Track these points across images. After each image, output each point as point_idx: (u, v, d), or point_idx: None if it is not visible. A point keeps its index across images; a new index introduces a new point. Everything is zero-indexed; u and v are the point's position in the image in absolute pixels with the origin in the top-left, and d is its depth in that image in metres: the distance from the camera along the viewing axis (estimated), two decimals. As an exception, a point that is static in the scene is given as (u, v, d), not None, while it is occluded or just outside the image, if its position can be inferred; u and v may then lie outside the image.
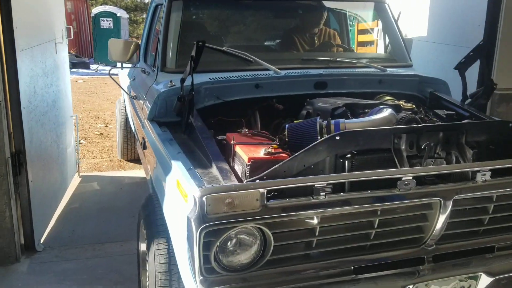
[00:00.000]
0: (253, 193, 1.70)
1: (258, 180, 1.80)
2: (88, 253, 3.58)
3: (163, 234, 2.15)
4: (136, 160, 5.61)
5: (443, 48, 4.36)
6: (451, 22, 4.65)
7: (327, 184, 1.77)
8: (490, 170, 1.96)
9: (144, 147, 2.86)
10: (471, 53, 2.89)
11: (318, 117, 2.14)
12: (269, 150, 1.94)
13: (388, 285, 1.94)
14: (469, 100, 3.02)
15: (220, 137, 2.33)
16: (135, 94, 3.45)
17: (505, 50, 3.94)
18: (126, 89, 4.03)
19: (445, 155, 2.02)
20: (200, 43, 2.33)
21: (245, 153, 1.93)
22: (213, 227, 1.67)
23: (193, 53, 2.37)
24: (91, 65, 17.52)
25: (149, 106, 2.83)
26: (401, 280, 1.97)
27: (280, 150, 2.00)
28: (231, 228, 1.71)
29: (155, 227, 2.18)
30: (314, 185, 1.76)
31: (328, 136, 1.90)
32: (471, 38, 4.08)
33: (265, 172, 1.83)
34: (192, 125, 2.45)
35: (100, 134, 7.57)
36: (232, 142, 2.03)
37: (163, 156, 2.27)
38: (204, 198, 1.65)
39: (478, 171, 1.94)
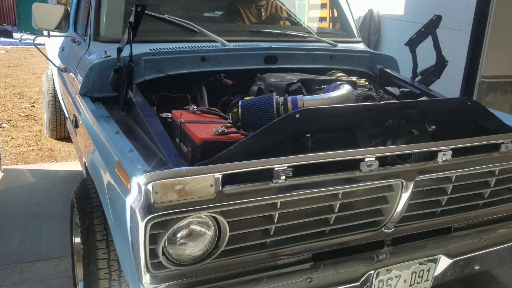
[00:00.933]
0: (207, 178, 1.50)
1: (211, 164, 1.60)
2: (14, 277, 2.78)
3: (100, 225, 1.90)
4: (67, 139, 5.12)
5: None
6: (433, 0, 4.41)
7: (288, 166, 1.61)
8: (452, 149, 1.89)
9: (76, 126, 2.56)
10: (423, 29, 2.81)
11: (274, 93, 1.96)
12: (222, 129, 1.74)
13: (349, 271, 1.83)
14: (419, 77, 2.97)
15: (164, 115, 2.09)
16: (64, 66, 3.09)
17: (495, 36, 3.72)
18: (54, 61, 3.64)
19: (407, 133, 1.91)
20: (140, 8, 2.05)
21: (195, 133, 1.72)
22: (161, 217, 1.46)
23: (131, 19, 2.09)
24: (14, 34, 16.16)
25: (81, 79, 2.52)
26: (361, 266, 1.87)
27: (234, 130, 1.81)
28: (181, 218, 1.51)
29: (90, 217, 1.92)
30: (274, 168, 1.59)
31: (287, 114, 1.73)
32: (458, 20, 3.84)
33: (218, 154, 1.63)
34: (132, 100, 2.18)
35: (26, 116, 6.51)
36: (179, 120, 1.81)
37: (99, 136, 2.00)
38: (150, 185, 1.43)
39: (440, 150, 1.87)
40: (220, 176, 1.51)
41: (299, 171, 1.66)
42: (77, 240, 2.35)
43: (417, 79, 2.94)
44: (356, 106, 1.84)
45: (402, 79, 2.91)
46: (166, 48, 2.57)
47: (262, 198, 1.60)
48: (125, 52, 2.23)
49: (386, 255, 1.93)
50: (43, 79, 5.08)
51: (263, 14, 3.34)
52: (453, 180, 1.98)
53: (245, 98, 2.42)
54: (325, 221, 1.81)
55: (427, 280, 2.01)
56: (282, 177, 1.60)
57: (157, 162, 1.67)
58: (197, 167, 1.49)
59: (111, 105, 2.35)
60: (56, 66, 3.10)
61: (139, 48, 2.51)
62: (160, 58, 2.51)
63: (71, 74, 2.82)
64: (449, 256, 2.01)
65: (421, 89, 2.75)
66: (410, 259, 1.94)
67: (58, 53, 3.57)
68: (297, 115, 1.73)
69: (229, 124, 1.84)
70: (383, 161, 1.80)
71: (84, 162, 2.35)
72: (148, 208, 1.44)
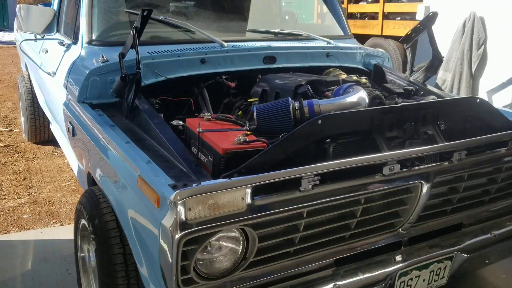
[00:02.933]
0: (238, 191, 1.47)
1: (236, 175, 1.56)
2: None
3: (115, 238, 1.84)
4: (50, 142, 4.85)
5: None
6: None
7: (315, 175, 1.59)
8: (466, 149, 1.92)
9: (74, 134, 2.45)
10: (419, 26, 2.84)
11: (289, 98, 1.93)
12: (244, 138, 1.70)
13: (372, 275, 1.84)
14: (414, 73, 3.00)
15: (175, 122, 2.03)
16: (53, 71, 2.95)
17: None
18: (36, 64, 3.48)
19: (423, 134, 1.93)
20: (146, 12, 1.98)
21: (217, 143, 1.67)
22: (194, 234, 1.42)
23: (137, 24, 2.02)
24: None
25: (75, 85, 2.42)
26: (383, 269, 1.87)
27: (254, 137, 1.77)
28: (213, 233, 1.47)
29: (104, 230, 1.85)
30: (302, 176, 1.57)
31: (311, 120, 1.70)
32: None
33: (244, 165, 1.59)
34: (138, 108, 2.11)
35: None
36: (197, 129, 1.76)
37: (109, 147, 1.92)
38: (183, 202, 1.38)
39: (455, 150, 1.89)
40: (251, 188, 1.48)
41: (323, 179, 1.65)
42: (82, 254, 2.27)
43: (412, 75, 2.97)
44: (375, 110, 1.83)
45: (398, 75, 2.93)
46: (164, 50, 2.50)
47: (290, 207, 1.58)
48: (128, 57, 2.16)
49: (404, 255, 1.95)
50: (18, 82, 4.85)
51: (257, 10, 3.29)
52: (465, 178, 2.01)
53: (249, 100, 2.39)
54: (347, 226, 1.81)
55: (443, 277, 2.04)
56: (310, 186, 1.58)
57: (180, 174, 1.62)
58: (229, 180, 1.45)
59: (111, 112, 2.27)
60: (43, 70, 2.96)
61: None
62: (160, 62, 2.43)
63: (62, 79, 2.70)
64: (464, 252, 2.05)
65: (417, 85, 2.78)
66: (427, 258, 1.97)
67: (41, 55, 3.42)
68: (320, 121, 1.71)
69: (248, 132, 1.81)
70: (403, 164, 1.80)
71: (88, 172, 2.26)
72: (182, 225, 1.39)
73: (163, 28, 2.64)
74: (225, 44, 2.61)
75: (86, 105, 2.31)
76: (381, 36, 7.56)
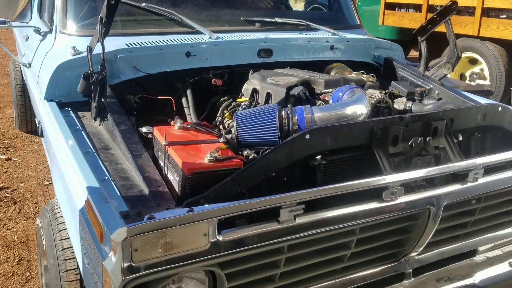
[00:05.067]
0: (199, 226, 1.20)
1: (203, 201, 1.29)
2: None
3: (70, 264, 1.60)
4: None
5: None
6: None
7: (298, 203, 1.31)
8: (484, 167, 1.62)
9: (42, 135, 2.21)
10: (436, 16, 2.50)
11: (276, 104, 1.64)
12: (216, 154, 1.42)
13: None
14: (429, 69, 2.67)
15: (144, 130, 1.76)
16: (29, 62, 2.70)
17: None
18: (20, 51, 3.24)
19: (433, 149, 1.63)
20: (114, 0, 1.69)
21: (183, 161, 1.40)
22: (142, 279, 1.16)
23: (102, 14, 1.74)
24: None
25: (45, 80, 2.16)
26: None
27: (230, 153, 1.49)
28: (168, 277, 1.21)
29: (57, 254, 1.61)
30: (281, 206, 1.29)
31: (295, 136, 1.42)
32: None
33: (213, 188, 1.33)
34: (106, 110, 1.85)
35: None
36: (163, 142, 1.49)
37: (65, 155, 1.66)
38: (128, 241, 1.12)
39: (472, 169, 1.59)
40: (216, 222, 1.21)
41: (309, 204, 1.37)
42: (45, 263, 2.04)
43: (427, 72, 2.64)
44: (375, 121, 1.53)
45: (411, 71, 2.60)
46: (145, 42, 2.22)
47: (266, 243, 1.31)
48: (98, 49, 1.89)
49: None
50: (9, 68, 4.62)
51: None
52: (482, 201, 1.71)
53: (237, 100, 2.11)
54: (339, 259, 1.53)
55: (452, 315, 1.76)
56: (291, 217, 1.31)
57: (136, 196, 1.36)
58: (186, 213, 1.18)
59: (83, 111, 2.01)
60: (18, 61, 2.71)
61: (114, 43, 2.15)
62: (139, 55, 2.16)
63: (36, 72, 2.45)
64: (477, 286, 1.76)
65: (433, 83, 2.45)
66: None
67: (22, 43, 3.17)
68: (307, 136, 1.43)
69: (223, 146, 1.53)
70: (408, 186, 1.51)
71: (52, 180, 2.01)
72: (126, 269, 1.13)
73: (144, 16, 2.35)
74: (214, 35, 2.32)
75: (53, 103, 2.05)
76: (477, 37, 6.04)
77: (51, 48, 2.33)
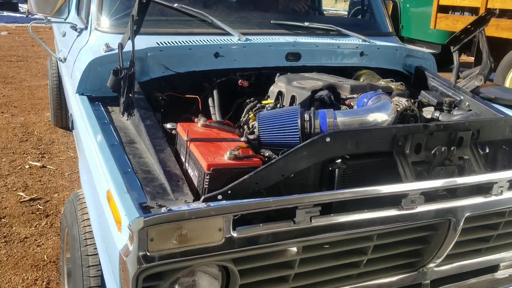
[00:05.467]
0: (214, 221, 1.21)
1: (220, 197, 1.31)
2: None
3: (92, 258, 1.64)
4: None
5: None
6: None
7: (314, 205, 1.31)
8: (509, 181, 1.58)
9: (73, 127, 2.28)
10: (470, 26, 2.46)
11: (299, 106, 1.65)
12: (236, 152, 1.44)
13: None
14: (461, 80, 2.62)
15: (169, 126, 1.80)
16: (64, 57, 2.79)
17: None
18: (57, 47, 3.34)
19: (457, 160, 1.60)
20: None
21: (203, 157, 1.42)
22: (156, 268, 1.19)
23: (134, 12, 1.79)
24: (20, 6, 11.96)
25: (78, 75, 2.23)
26: None
27: (250, 152, 1.51)
28: (182, 268, 1.23)
29: (79, 244, 1.66)
30: (298, 206, 1.30)
31: (315, 138, 1.42)
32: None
33: (230, 185, 1.34)
34: (133, 105, 1.89)
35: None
36: (185, 138, 1.52)
37: (92, 147, 1.71)
38: (145, 231, 1.14)
39: (496, 182, 1.55)
40: (232, 218, 1.22)
41: (324, 207, 1.37)
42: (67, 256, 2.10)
43: (459, 83, 2.59)
44: (398, 128, 1.52)
45: (442, 82, 2.56)
46: (175, 41, 2.26)
47: (281, 242, 1.31)
48: (129, 47, 1.94)
49: None
50: (47, 66, 4.77)
51: (284, 3, 3.00)
52: (506, 215, 1.67)
53: (263, 102, 2.12)
54: (355, 264, 1.52)
55: (470, 330, 1.72)
56: (307, 218, 1.31)
57: (157, 191, 1.39)
58: (202, 207, 1.20)
59: (113, 106, 2.07)
60: (54, 56, 2.80)
61: (145, 41, 2.21)
62: (169, 54, 2.20)
63: (70, 67, 2.53)
64: None
65: (464, 95, 2.41)
66: None
67: (59, 39, 3.27)
68: (328, 139, 1.43)
69: (244, 145, 1.54)
70: (429, 195, 1.49)
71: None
72: (141, 257, 1.16)
73: (175, 16, 2.40)
74: (243, 37, 2.34)
75: (84, 97, 2.12)
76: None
77: (85, 44, 2.41)
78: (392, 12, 8.11)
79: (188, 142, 1.52)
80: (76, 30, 2.69)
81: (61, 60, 2.75)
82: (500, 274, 1.84)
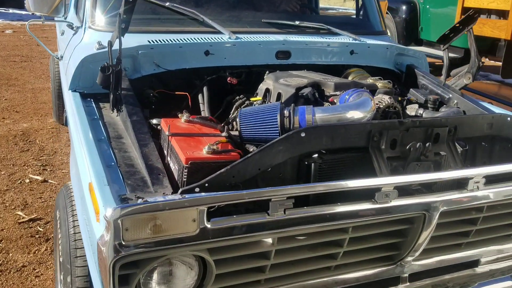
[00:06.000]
0: (188, 212, 1.26)
1: (198, 189, 1.36)
2: None
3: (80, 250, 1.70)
4: None
5: None
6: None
7: (288, 197, 1.35)
8: (485, 177, 1.61)
9: (66, 123, 2.34)
10: (458, 25, 2.48)
11: (279, 102, 1.69)
12: (214, 146, 1.49)
13: None
14: (450, 78, 2.64)
15: (154, 121, 1.85)
16: (61, 54, 2.86)
17: None
18: (57, 46, 3.41)
19: (433, 155, 1.63)
20: None
21: (182, 151, 1.47)
22: (131, 257, 1.24)
23: (121, 10, 1.84)
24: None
25: (71, 72, 2.28)
26: None
27: (229, 146, 1.55)
28: (157, 257, 1.28)
29: (68, 239, 1.72)
30: (271, 199, 1.34)
31: (291, 133, 1.46)
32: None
33: (208, 178, 1.38)
34: (121, 101, 1.94)
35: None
36: (167, 132, 1.56)
37: (80, 142, 1.77)
38: (119, 221, 1.19)
39: (471, 178, 1.58)
40: (205, 209, 1.27)
41: (301, 201, 1.41)
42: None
43: (448, 81, 2.62)
44: (374, 124, 1.56)
45: (431, 80, 2.59)
46: (166, 39, 2.31)
47: (256, 234, 1.36)
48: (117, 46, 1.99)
49: None
50: (49, 63, 4.85)
51: (276, 2, 3.03)
52: (484, 210, 1.70)
53: (251, 99, 2.17)
54: (331, 257, 1.56)
55: (447, 324, 1.75)
56: (280, 210, 1.35)
57: (137, 184, 1.44)
58: (176, 199, 1.25)
59: (104, 103, 2.12)
60: (52, 54, 2.87)
61: (137, 39, 2.26)
62: (160, 52, 2.25)
63: (65, 64, 2.59)
64: None
65: (452, 93, 2.44)
66: None
67: (59, 37, 3.34)
68: (303, 134, 1.47)
69: (223, 139, 1.59)
70: (404, 190, 1.52)
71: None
72: (117, 246, 1.21)
73: (167, 15, 2.45)
74: (234, 35, 2.39)
75: (76, 94, 2.18)
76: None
77: (79, 42, 2.47)
78: (410, 13, 7.83)
79: (170, 137, 1.57)
80: (72, 28, 2.75)
81: (58, 58, 2.81)
82: (481, 269, 1.86)
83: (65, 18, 3.06)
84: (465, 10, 6.61)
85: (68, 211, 1.85)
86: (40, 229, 2.97)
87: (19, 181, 3.58)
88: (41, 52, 7.75)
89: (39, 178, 3.65)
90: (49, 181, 3.63)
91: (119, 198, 1.31)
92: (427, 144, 1.60)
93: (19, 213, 3.14)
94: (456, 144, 1.71)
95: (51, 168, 3.84)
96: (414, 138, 1.60)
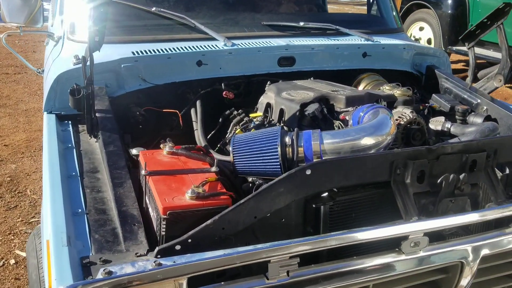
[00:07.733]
0: (164, 285, 0.99)
1: (179, 247, 1.08)
2: None
3: None
4: None
5: None
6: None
7: (291, 257, 1.07)
8: None
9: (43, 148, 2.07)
10: (486, 20, 2.16)
11: (280, 128, 1.40)
12: (200, 189, 1.20)
13: None
14: (478, 81, 2.34)
15: (134, 152, 1.57)
16: (42, 69, 2.59)
17: None
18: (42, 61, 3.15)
19: (469, 188, 1.33)
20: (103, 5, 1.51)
21: (159, 197, 1.19)
22: None
23: (91, 19, 1.56)
24: None
25: (47, 90, 2.02)
26: None
27: (219, 186, 1.27)
28: None
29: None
30: (270, 260, 1.06)
31: (294, 170, 1.18)
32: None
33: (191, 233, 1.11)
34: (98, 126, 1.67)
35: None
36: (143, 171, 1.29)
37: (46, 179, 1.49)
38: None
39: (519, 215, 1.28)
40: (185, 281, 0.99)
41: (310, 255, 1.13)
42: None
43: (475, 83, 2.30)
44: (396, 153, 1.26)
45: (456, 83, 2.28)
46: (153, 50, 2.03)
47: (252, 304, 1.08)
48: (100, 58, 1.73)
49: None
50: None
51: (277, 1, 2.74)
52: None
53: (250, 115, 1.89)
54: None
55: None
56: (282, 273, 1.07)
57: (106, 239, 1.17)
58: (147, 269, 0.97)
59: (85, 125, 1.86)
60: (32, 68, 2.61)
61: (119, 50, 2.00)
62: (145, 64, 1.98)
63: (45, 79, 2.33)
64: None
65: (481, 97, 2.13)
66: None
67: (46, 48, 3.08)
68: (308, 171, 1.18)
69: (212, 177, 1.30)
70: (434, 235, 1.24)
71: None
72: None
73: (154, 20, 2.17)
74: (229, 42, 2.10)
75: (52, 116, 1.91)
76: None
77: (58, 55, 2.20)
78: (457, 8, 6.92)
79: (147, 176, 1.29)
80: (54, 39, 2.49)
81: (39, 73, 2.56)
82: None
83: (51, 26, 2.80)
84: None
85: (39, 256, 1.59)
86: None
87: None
88: (38, 60, 6.53)
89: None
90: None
91: (79, 262, 1.05)
92: (462, 175, 1.30)
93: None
94: (495, 170, 1.41)
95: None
96: (446, 168, 1.30)
